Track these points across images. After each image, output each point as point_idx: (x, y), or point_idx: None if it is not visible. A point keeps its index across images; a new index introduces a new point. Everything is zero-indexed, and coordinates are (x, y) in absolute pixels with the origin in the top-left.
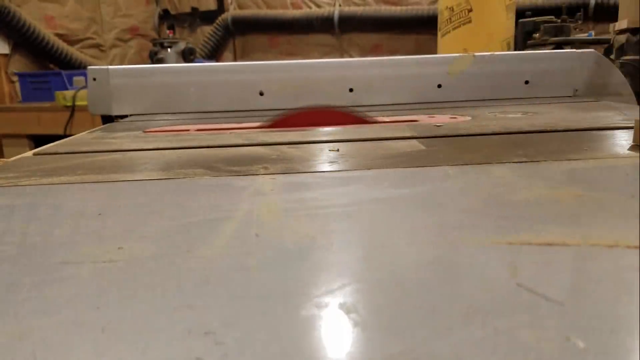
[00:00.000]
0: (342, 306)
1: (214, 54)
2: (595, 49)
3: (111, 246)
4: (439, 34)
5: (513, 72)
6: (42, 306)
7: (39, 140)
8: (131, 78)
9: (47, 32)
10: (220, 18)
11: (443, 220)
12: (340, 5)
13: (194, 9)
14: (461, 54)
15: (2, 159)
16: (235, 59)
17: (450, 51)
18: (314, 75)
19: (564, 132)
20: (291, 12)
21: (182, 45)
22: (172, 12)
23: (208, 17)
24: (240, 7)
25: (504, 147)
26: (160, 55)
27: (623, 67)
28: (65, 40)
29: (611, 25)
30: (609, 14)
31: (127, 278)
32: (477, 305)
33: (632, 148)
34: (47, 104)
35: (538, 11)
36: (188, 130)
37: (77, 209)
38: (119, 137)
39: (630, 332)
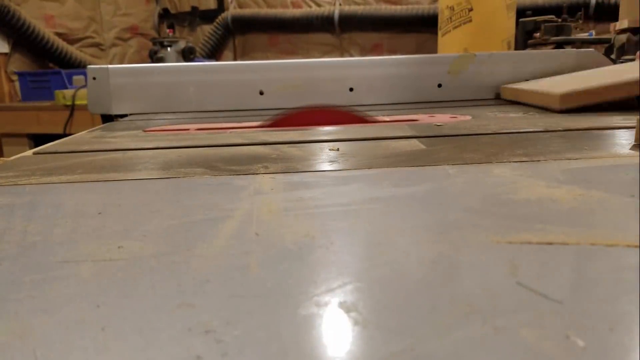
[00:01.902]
0: (342, 305)
1: (214, 53)
2: (595, 48)
3: (111, 245)
4: (439, 33)
5: (513, 72)
6: (42, 305)
7: (38, 139)
8: (131, 77)
9: (47, 31)
10: (220, 17)
11: (443, 220)
12: (340, 4)
13: (194, 8)
14: (461, 54)
15: (1, 158)
16: (235, 58)
17: (450, 50)
18: (314, 75)
19: (564, 131)
20: (291, 11)
21: (182, 44)
22: (172, 11)
23: (208, 16)
24: (240, 6)
25: (504, 147)
26: (160, 55)
27: None
28: (65, 39)
29: (612, 24)
30: (610, 13)
31: (127, 277)
32: (477, 303)
33: (632, 148)
34: (46, 103)
35: (539, 10)
36: (188, 129)
37: (77, 208)
38: (119, 137)
39: (629, 331)
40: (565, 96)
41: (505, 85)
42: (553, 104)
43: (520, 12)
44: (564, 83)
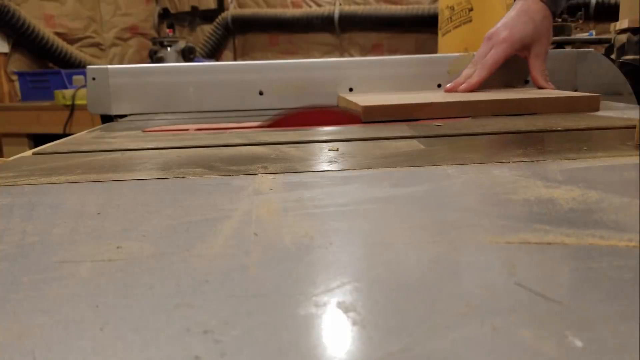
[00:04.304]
0: (340, 305)
1: (214, 53)
2: (596, 48)
3: (110, 245)
4: (440, 33)
5: (513, 72)
6: (41, 305)
7: (38, 139)
8: (130, 77)
9: (47, 31)
10: (220, 17)
11: (442, 220)
12: (340, 4)
13: (194, 8)
14: (461, 54)
15: (1, 159)
16: (235, 58)
17: (450, 50)
18: (314, 75)
19: (564, 131)
20: (291, 11)
21: (181, 44)
22: (172, 11)
23: (208, 16)
24: (240, 5)
25: (504, 147)
26: (160, 54)
27: (623, 67)
28: (64, 39)
29: (612, 24)
30: (610, 13)
31: (126, 277)
32: (475, 304)
33: (632, 148)
34: (46, 103)
35: None
36: (187, 129)
37: (76, 208)
38: (118, 137)
39: (628, 332)
40: (368, 109)
41: (340, 95)
42: (359, 115)
43: None
44: (379, 98)
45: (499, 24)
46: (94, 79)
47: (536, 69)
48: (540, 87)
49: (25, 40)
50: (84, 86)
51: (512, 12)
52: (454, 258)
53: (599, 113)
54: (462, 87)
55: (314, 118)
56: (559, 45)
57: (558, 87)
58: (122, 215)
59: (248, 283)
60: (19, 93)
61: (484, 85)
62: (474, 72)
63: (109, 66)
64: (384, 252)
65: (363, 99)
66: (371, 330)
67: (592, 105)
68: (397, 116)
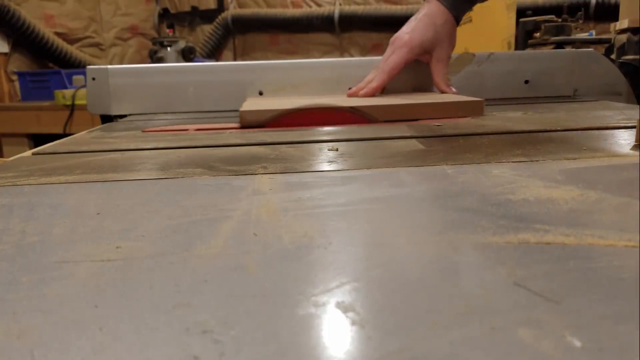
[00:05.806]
0: (339, 305)
1: (214, 53)
2: (596, 48)
3: (109, 245)
4: None
5: (513, 72)
6: (40, 305)
7: (38, 139)
8: (130, 78)
9: (47, 31)
10: (220, 17)
11: (441, 220)
12: (340, 4)
13: (194, 8)
14: (461, 53)
15: (1, 159)
16: (235, 58)
17: None
18: (314, 75)
19: (564, 131)
20: (291, 11)
21: (182, 44)
22: (172, 10)
23: (208, 15)
24: (240, 5)
25: (503, 147)
26: (160, 54)
27: (623, 67)
28: (64, 39)
29: (612, 24)
30: (610, 13)
31: (125, 277)
32: (474, 303)
33: (632, 148)
34: (46, 103)
35: (539, 10)
36: (187, 129)
37: (75, 208)
38: (118, 137)
39: (627, 332)
40: (245, 113)
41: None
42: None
43: (520, 12)
44: (270, 103)
45: (403, 27)
46: (93, 79)
47: (437, 73)
48: (442, 92)
49: (25, 40)
50: (84, 86)
51: (417, 15)
52: (453, 258)
53: (599, 112)
54: (362, 92)
55: (314, 118)
56: (559, 45)
57: (558, 88)
58: (122, 215)
59: (247, 283)
60: (19, 93)
61: (389, 89)
62: (375, 77)
63: (109, 66)
64: (383, 252)
65: (253, 103)
66: (370, 330)
67: (475, 110)
68: (275, 121)
